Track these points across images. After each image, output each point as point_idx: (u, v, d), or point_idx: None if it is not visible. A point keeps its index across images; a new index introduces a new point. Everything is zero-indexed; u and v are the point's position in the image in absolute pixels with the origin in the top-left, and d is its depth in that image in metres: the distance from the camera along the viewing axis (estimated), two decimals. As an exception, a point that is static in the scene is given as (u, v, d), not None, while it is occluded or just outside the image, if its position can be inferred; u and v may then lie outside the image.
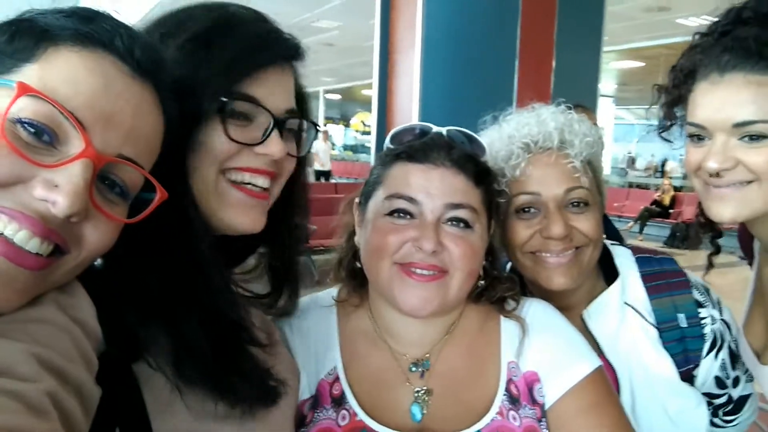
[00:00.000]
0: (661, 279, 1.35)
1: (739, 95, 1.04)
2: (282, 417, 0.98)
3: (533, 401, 1.07)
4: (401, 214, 1.06)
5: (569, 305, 1.34)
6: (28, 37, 0.69)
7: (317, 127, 1.04)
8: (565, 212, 1.26)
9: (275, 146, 0.91)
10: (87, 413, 0.66)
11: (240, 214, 0.92)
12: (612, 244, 1.44)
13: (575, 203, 1.27)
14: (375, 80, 4.54)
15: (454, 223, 1.05)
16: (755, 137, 1.04)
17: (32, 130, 0.65)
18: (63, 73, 0.68)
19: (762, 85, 1.02)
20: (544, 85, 4.28)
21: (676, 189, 13.53)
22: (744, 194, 1.08)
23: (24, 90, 0.64)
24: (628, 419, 1.08)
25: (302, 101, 1.03)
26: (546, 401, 1.07)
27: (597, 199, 1.32)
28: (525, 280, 1.40)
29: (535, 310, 1.17)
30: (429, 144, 1.09)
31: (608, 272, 1.39)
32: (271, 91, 0.92)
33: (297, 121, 0.99)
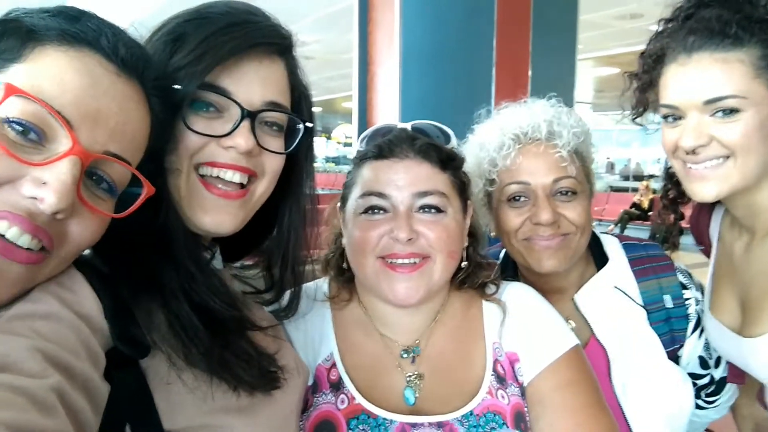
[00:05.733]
0: (647, 263, 1.41)
1: (707, 73, 1.10)
2: (286, 410, 0.97)
3: (516, 380, 1.11)
4: (375, 211, 1.10)
5: (561, 289, 1.40)
6: (14, 37, 0.70)
7: (306, 124, 0.99)
8: (553, 200, 1.33)
9: (241, 138, 0.87)
10: (96, 409, 0.66)
11: (204, 213, 0.89)
12: (601, 232, 1.50)
13: (563, 192, 1.33)
14: (355, 93, 4.57)
15: (425, 210, 1.09)
16: (727, 112, 1.09)
17: (20, 128, 0.66)
18: (50, 73, 0.68)
19: (728, 62, 1.08)
20: (522, 93, 4.32)
21: (654, 192, 13.73)
22: (722, 172, 1.13)
23: (11, 91, 0.65)
24: (603, 398, 1.11)
25: (301, 99, 1.01)
26: (524, 379, 1.11)
27: (585, 187, 1.38)
28: (519, 267, 1.46)
29: (514, 292, 1.22)
30: (392, 140, 1.14)
31: (598, 258, 1.45)
32: (245, 82, 0.88)
33: (279, 114, 0.93)
